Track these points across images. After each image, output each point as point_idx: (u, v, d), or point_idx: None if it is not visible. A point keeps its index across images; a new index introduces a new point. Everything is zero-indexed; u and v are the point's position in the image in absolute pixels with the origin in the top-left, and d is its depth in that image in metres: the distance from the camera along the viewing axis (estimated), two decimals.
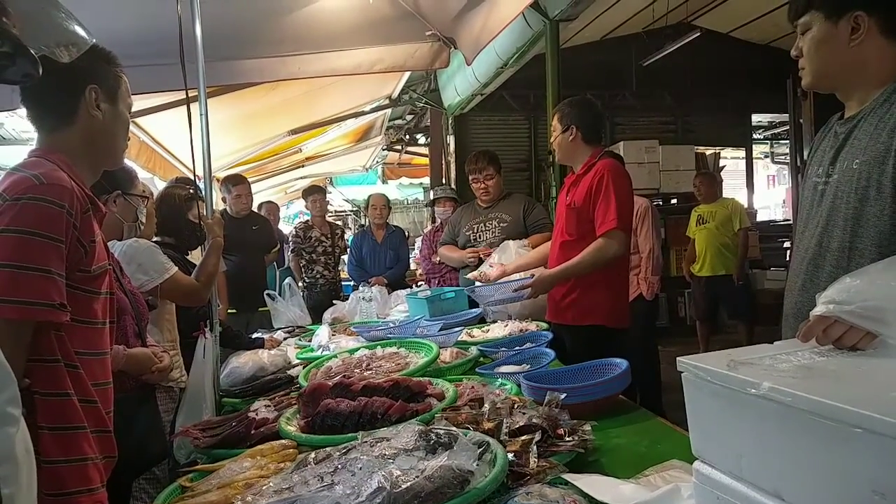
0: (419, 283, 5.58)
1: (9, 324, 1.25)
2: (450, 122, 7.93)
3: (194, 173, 2.69)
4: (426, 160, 10.02)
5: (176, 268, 2.54)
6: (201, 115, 2.64)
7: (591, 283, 2.84)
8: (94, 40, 1.27)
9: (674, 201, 7.94)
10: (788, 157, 12.50)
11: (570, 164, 3.07)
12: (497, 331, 3.14)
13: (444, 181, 8.19)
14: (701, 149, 8.44)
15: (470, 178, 4.09)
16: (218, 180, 5.54)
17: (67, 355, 1.38)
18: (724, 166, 8.75)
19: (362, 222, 13.90)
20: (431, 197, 5.69)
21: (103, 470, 1.43)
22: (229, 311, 4.68)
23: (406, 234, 6.18)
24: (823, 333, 1.11)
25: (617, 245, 2.77)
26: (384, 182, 14.12)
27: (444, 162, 8.27)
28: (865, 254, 1.48)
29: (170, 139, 5.28)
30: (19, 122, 8.75)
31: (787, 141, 11.79)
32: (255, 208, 6.31)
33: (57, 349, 1.36)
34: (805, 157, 5.56)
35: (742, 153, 9.88)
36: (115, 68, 1.56)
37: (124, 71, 1.59)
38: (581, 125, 2.94)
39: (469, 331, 3.19)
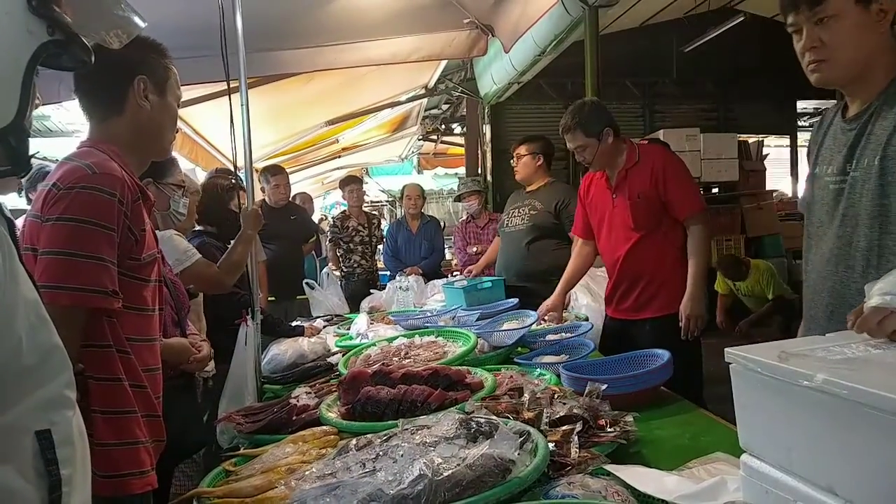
0: (454, 273, 5.58)
1: (63, 310, 1.29)
2: (486, 111, 7.87)
3: (234, 164, 2.72)
4: (462, 150, 9.98)
5: (199, 256, 2.53)
6: (242, 105, 2.67)
7: (669, 272, 2.80)
8: (146, 24, 1.28)
9: (715, 190, 7.78)
10: None
11: (610, 166, 2.92)
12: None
13: (479, 171, 8.15)
14: (743, 137, 8.23)
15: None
16: (257, 171, 5.61)
17: (119, 341, 1.41)
18: (767, 154, 8.52)
19: (397, 213, 13.95)
20: (457, 191, 5.70)
21: (153, 453, 1.47)
22: (269, 299, 4.75)
23: (441, 224, 6.18)
24: (878, 325, 1.08)
25: (710, 226, 2.82)
26: (419, 172, 14.11)
27: (479, 152, 8.22)
28: (895, 250, 1.45)
29: (210, 130, 5.36)
30: (65, 115, 8.98)
31: None
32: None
33: (109, 335, 1.40)
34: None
35: (786, 141, 9.60)
36: (164, 60, 1.58)
37: (174, 63, 1.61)
38: (611, 125, 2.87)
39: (504, 322, 3.18)
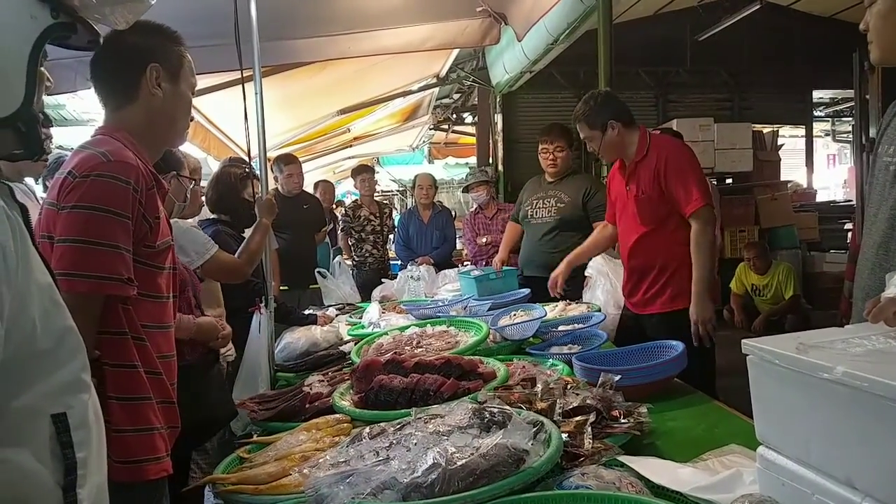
0: (465, 263, 5.58)
1: (80, 297, 1.30)
2: (497, 100, 7.84)
3: (248, 153, 2.72)
4: (473, 140, 9.95)
5: (216, 247, 2.54)
6: (256, 94, 2.67)
7: (676, 268, 2.74)
8: (154, 1, 1.26)
9: (729, 181, 7.71)
10: (851, 136, 12.01)
11: (623, 157, 2.87)
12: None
13: (490, 161, 8.13)
14: (758, 127, 8.15)
15: (540, 147, 4.01)
16: (270, 160, 5.62)
17: (134, 328, 1.42)
18: (782, 145, 8.44)
19: (408, 202, 13.95)
20: (466, 182, 5.67)
21: (168, 439, 1.48)
22: (281, 287, 4.77)
23: (453, 213, 6.17)
24: (894, 316, 1.07)
25: (711, 222, 2.69)
26: (430, 162, 14.07)
27: (491, 141, 8.20)
28: None
29: (223, 119, 5.37)
30: (80, 104, 9.04)
31: (850, 118, 11.33)
32: (310, 187, 6.41)
33: (124, 322, 1.41)
34: (872, 135, 5.36)
35: (801, 131, 9.51)
36: (178, 47, 1.57)
37: (188, 51, 1.61)
38: (616, 117, 2.79)
39: (514, 312, 3.17)
